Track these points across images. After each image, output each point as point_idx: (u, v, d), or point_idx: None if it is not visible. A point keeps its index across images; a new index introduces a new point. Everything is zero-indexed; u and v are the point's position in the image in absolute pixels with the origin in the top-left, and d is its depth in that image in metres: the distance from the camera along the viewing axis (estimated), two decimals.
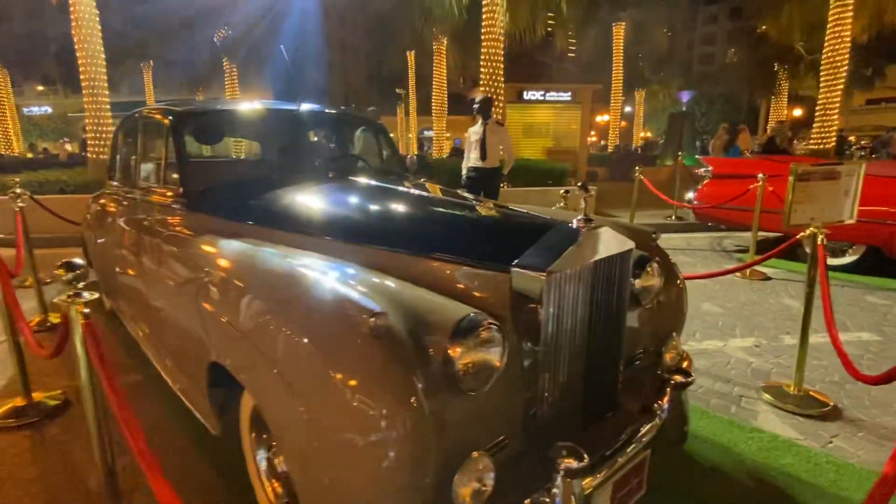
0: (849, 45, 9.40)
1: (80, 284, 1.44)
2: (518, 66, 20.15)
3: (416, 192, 2.39)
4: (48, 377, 2.92)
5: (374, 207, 2.17)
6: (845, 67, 9.58)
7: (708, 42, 60.20)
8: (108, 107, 7.90)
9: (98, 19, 7.57)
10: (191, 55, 18.17)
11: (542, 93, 15.29)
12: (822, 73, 9.97)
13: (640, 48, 21.89)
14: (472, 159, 5.78)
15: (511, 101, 14.40)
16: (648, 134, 30.99)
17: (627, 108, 33.50)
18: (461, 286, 1.53)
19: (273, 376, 1.27)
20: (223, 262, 1.74)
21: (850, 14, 9.17)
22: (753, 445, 2.26)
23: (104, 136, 7.72)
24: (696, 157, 15.82)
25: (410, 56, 19.09)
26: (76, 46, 7.50)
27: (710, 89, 37.60)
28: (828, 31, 9.56)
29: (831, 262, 5.12)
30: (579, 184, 1.71)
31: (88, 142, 7.99)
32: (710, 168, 6.15)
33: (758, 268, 5.11)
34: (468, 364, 1.22)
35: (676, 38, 24.29)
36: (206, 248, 1.91)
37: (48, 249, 6.02)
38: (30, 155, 17.22)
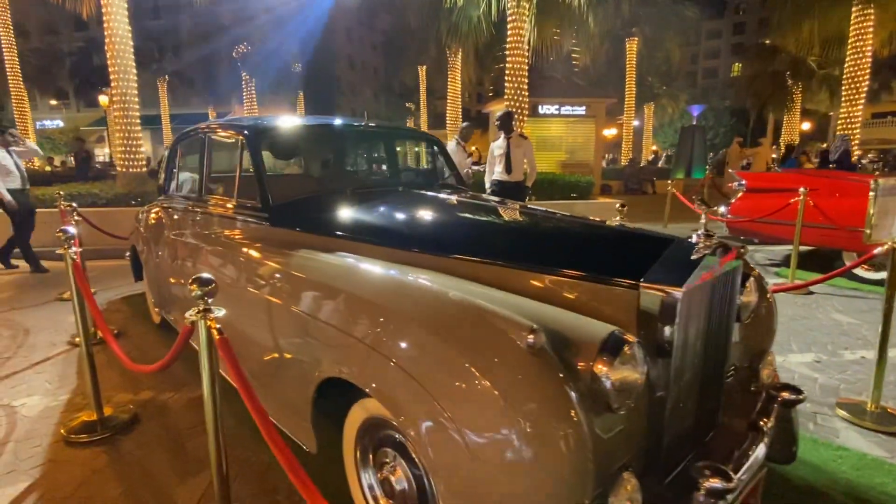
0: (870, 59, 9.44)
1: (210, 300, 1.42)
2: (528, 80, 20.39)
3: (508, 206, 2.40)
4: (110, 391, 2.91)
5: (477, 221, 2.17)
6: (867, 82, 9.61)
7: (717, 56, 60.74)
8: (139, 120, 7.98)
9: (131, 34, 7.69)
10: (207, 69, 18.43)
11: (557, 107, 15.35)
12: (843, 88, 10.00)
13: (650, 62, 22.01)
14: (496, 173, 5.83)
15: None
16: (654, 147, 31.12)
17: (635, 122, 33.76)
18: (585, 302, 1.51)
19: (416, 390, 1.25)
20: (342, 278, 1.71)
21: (872, 29, 9.21)
22: (844, 464, 2.22)
23: (134, 149, 7.79)
24: (706, 168, 15.85)
25: (422, 71, 19.30)
26: (109, 61, 7.61)
27: (719, 103, 37.76)
28: (849, 46, 9.61)
29: (875, 276, 5.08)
30: (696, 198, 1.70)
31: (118, 155, 8.06)
32: (743, 182, 6.13)
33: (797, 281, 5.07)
34: (615, 381, 1.21)
35: (686, 52, 24.36)
36: (310, 262, 1.89)
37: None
38: (48, 168, 17.40)
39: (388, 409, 1.35)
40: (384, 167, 3.10)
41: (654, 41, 18.54)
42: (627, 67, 17.93)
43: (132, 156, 7.76)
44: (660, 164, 19.26)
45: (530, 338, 1.18)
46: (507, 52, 8.56)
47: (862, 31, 9.33)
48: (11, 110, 15.78)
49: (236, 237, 2.45)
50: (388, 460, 1.59)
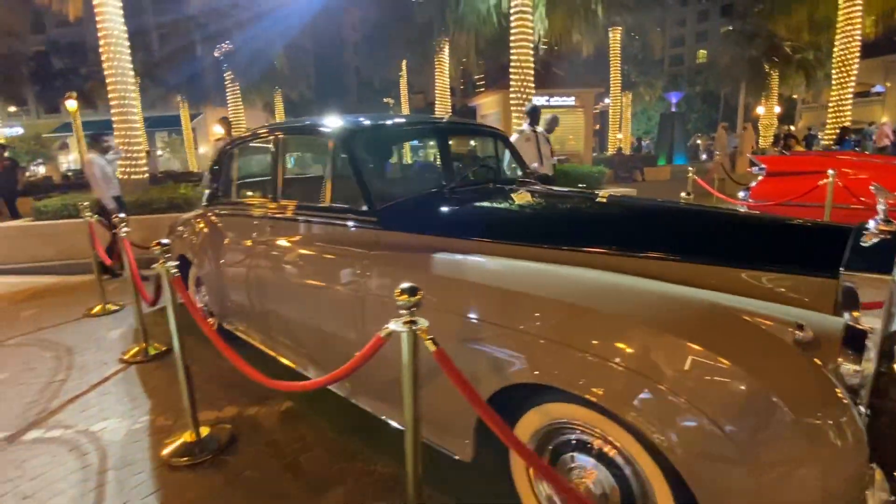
0: (859, 43, 9.75)
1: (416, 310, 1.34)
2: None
3: (629, 200, 2.38)
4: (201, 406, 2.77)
5: (624, 216, 2.14)
6: (856, 65, 9.92)
7: (683, 43, 61.90)
8: (139, 124, 7.66)
9: (126, 35, 7.35)
10: (181, 69, 17.83)
11: (547, 98, 15.44)
12: (834, 71, 10.31)
13: (629, 51, 22.29)
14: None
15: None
16: (619, 135, 31.66)
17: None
18: (779, 295, 1.49)
19: (659, 395, 1.20)
20: (527, 281, 1.63)
21: (860, 13, 9.51)
22: None
23: (135, 154, 7.47)
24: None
25: (404, 66, 19.12)
26: (104, 64, 7.25)
27: (690, 90, 38.54)
28: (838, 30, 9.90)
29: None
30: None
31: (120, 161, 7.71)
32: (763, 166, 6.24)
33: None
34: (861, 373, 1.19)
35: (664, 39, 24.77)
36: (471, 266, 1.80)
37: (86, 276, 5.78)
38: (28, 175, 16.58)
39: (627, 415, 1.29)
40: (460, 163, 3.03)
41: (635, 30, 18.75)
42: (611, 57, 18.10)
43: (134, 162, 7.44)
44: (650, 151, 19.56)
45: (799, 334, 1.15)
46: (512, 45, 8.50)
47: (850, 15, 9.62)
48: None
49: (344, 243, 2.34)
50: (574, 465, 1.54)
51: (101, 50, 7.19)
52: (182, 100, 22.05)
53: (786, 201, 5.74)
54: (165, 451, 2.38)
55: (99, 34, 7.13)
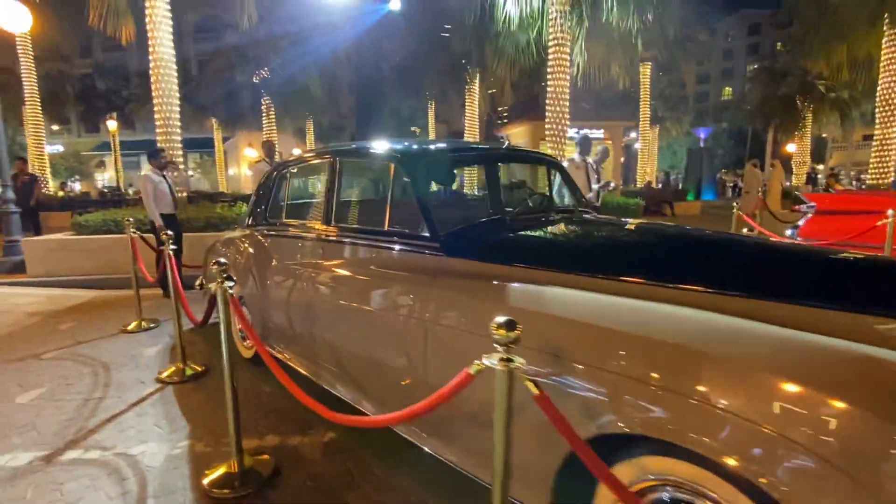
0: None
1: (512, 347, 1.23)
2: (539, 102, 20.63)
3: (713, 233, 2.24)
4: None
5: (724, 251, 2.00)
6: None
7: (708, 80, 62.05)
8: (181, 144, 7.84)
9: (174, 59, 7.60)
10: (218, 93, 18.40)
11: (577, 130, 15.44)
12: (878, 109, 10.10)
13: (656, 86, 22.31)
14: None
15: (542, 138, 14.55)
16: (647, 169, 31.46)
17: (637, 145, 34.26)
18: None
19: (794, 450, 1.05)
20: (629, 319, 1.49)
21: None
22: None
23: (177, 173, 7.61)
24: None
25: (432, 104, 19.49)
26: (153, 86, 7.49)
27: (716, 126, 38.32)
28: (882, 69, 9.73)
29: None
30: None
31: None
32: (813, 204, 6.04)
33: None
34: None
35: (693, 75, 24.82)
36: (556, 299, 1.67)
37: (123, 291, 5.80)
38: (61, 193, 17.15)
39: (722, 472, 1.14)
40: (517, 191, 2.95)
41: (664, 65, 18.79)
42: (641, 91, 18.12)
43: (175, 180, 7.57)
44: (679, 186, 19.32)
45: None
46: (550, 75, 8.54)
47: (894, 53, 9.45)
48: (22, 137, 15.63)
49: (403, 269, 2.25)
50: None
51: (151, 72, 7.43)
52: (218, 122, 22.74)
53: (839, 241, 5.51)
54: (206, 481, 2.26)
55: (150, 56, 7.38)
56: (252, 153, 31.06)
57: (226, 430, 2.64)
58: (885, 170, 10.06)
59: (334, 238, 2.70)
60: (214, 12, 16.50)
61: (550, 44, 8.23)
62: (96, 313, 5.32)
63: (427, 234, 2.20)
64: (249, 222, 3.75)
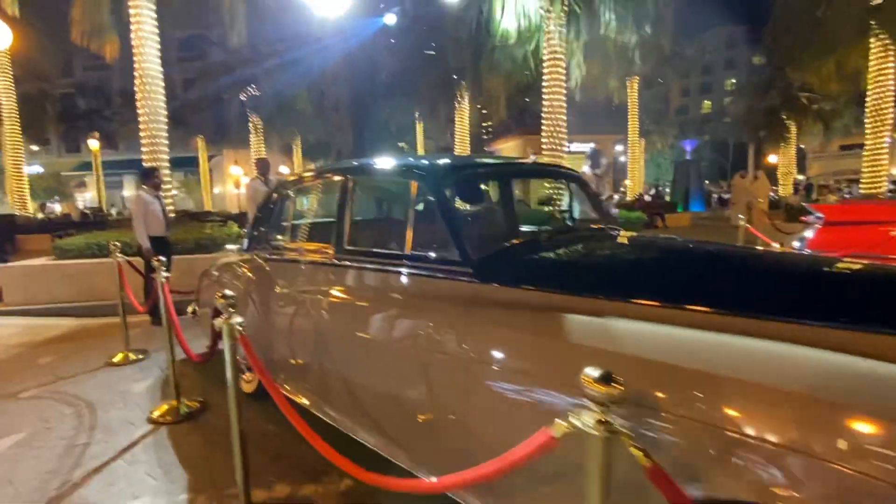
0: (892, 93, 9.67)
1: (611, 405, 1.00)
2: (529, 116, 20.72)
3: (774, 253, 2.05)
4: (229, 480, 2.38)
5: (791, 274, 1.80)
6: (891, 114, 9.81)
7: (688, 94, 63.28)
8: (168, 164, 7.55)
9: (162, 76, 7.36)
10: (202, 110, 18.15)
11: (567, 144, 15.43)
12: (867, 119, 10.21)
13: (642, 100, 22.56)
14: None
15: (536, 152, 14.51)
16: (634, 181, 31.72)
17: (622, 159, 34.59)
18: None
19: None
20: (729, 361, 1.27)
21: (892, 63, 9.48)
22: None
23: (164, 194, 7.31)
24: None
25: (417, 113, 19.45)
26: (138, 103, 7.23)
27: (702, 138, 38.92)
28: (870, 80, 9.85)
29: None
30: None
31: None
32: (821, 215, 5.95)
33: None
34: None
35: (678, 89, 25.20)
36: (619, 333, 1.46)
37: (107, 319, 5.47)
38: (40, 215, 16.60)
39: None
40: (545, 207, 2.76)
41: (650, 80, 18.99)
42: (629, 105, 18.24)
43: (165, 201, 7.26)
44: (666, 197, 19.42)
45: None
46: (545, 90, 8.45)
47: (882, 67, 9.60)
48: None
49: (431, 297, 2.02)
50: None
51: (136, 89, 7.17)
52: (205, 141, 22.42)
53: (851, 253, 5.40)
54: None
55: (135, 73, 7.12)
56: (238, 171, 30.68)
57: (230, 478, 2.37)
58: (878, 178, 10.14)
59: (348, 263, 2.47)
60: (199, 31, 16.35)
61: (546, 58, 8.16)
62: (79, 344, 4.97)
63: (458, 258, 1.98)
64: (248, 245, 3.50)
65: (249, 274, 3.21)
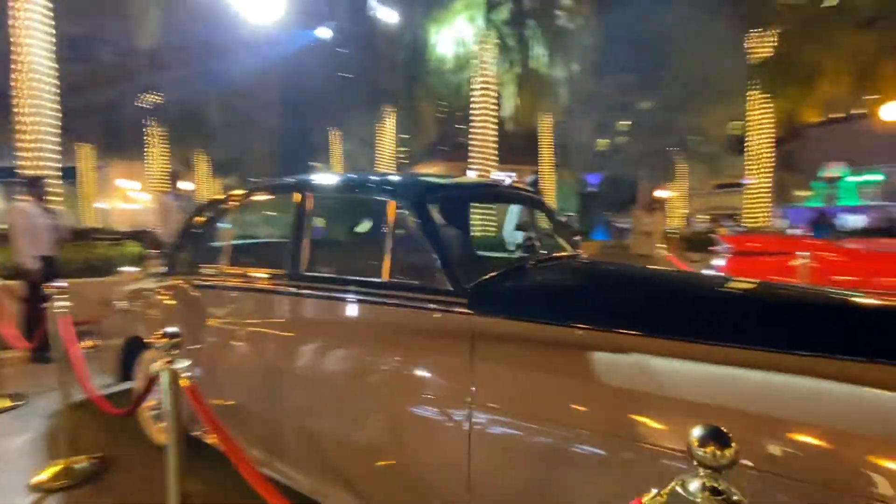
0: (773, 136, 11.12)
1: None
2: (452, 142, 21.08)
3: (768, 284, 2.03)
4: None
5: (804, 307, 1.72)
6: (772, 156, 11.24)
7: (600, 132, 68.43)
8: (60, 173, 6.55)
9: (55, 73, 6.41)
10: (97, 117, 16.31)
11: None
12: (747, 162, 11.62)
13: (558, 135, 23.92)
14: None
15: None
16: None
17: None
18: None
19: None
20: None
21: (771, 113, 10.90)
22: None
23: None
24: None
25: (332, 134, 19.03)
26: (15, 101, 6.16)
27: (606, 173, 42.11)
28: (748, 127, 11.24)
29: None
30: None
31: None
32: (728, 246, 6.49)
33: None
34: None
35: (591, 127, 27.09)
36: (666, 374, 1.32)
37: None
38: None
39: None
40: (517, 234, 2.63)
41: (568, 115, 20.17)
42: (543, 140, 19.21)
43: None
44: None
45: None
46: (475, 118, 8.56)
47: (762, 117, 11.02)
48: None
49: (414, 331, 1.78)
50: None
51: (13, 84, 6.12)
52: (94, 150, 20.08)
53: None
54: None
55: (15, 66, 6.10)
56: (126, 184, 27.87)
57: None
58: (756, 214, 11.55)
59: (307, 291, 2.14)
60: (88, 30, 14.75)
61: (478, 87, 8.29)
62: None
63: (448, 287, 1.77)
64: (169, 269, 3.01)
65: (173, 303, 2.74)
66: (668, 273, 2.32)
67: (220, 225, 2.79)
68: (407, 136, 16.22)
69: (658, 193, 25.49)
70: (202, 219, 2.83)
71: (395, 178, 2.07)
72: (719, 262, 6.53)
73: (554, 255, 2.29)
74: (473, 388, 1.51)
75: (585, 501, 1.27)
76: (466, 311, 1.72)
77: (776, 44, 9.97)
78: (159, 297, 2.84)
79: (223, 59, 12.13)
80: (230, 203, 2.70)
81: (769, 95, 10.25)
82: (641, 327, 1.47)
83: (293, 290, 2.18)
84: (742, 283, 2.10)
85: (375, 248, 2.00)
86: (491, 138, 8.58)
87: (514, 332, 1.60)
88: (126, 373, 3.09)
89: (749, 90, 10.83)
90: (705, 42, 11.16)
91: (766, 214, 11.45)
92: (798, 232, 13.47)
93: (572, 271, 2.08)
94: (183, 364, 1.55)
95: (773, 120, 10.86)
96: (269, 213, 2.50)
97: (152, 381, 1.65)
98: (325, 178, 2.34)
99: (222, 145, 20.32)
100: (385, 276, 1.92)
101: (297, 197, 2.28)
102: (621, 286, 1.99)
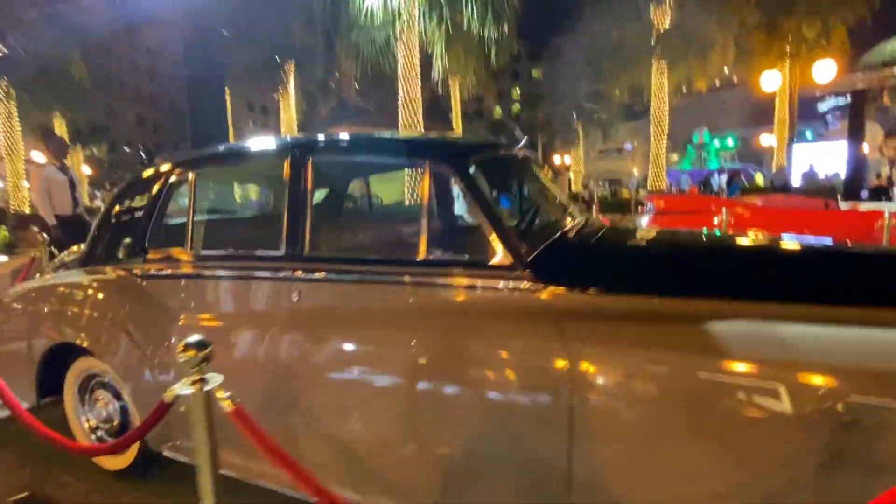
0: (667, 106, 11.96)
1: None
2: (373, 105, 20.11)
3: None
4: None
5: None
6: (667, 123, 12.11)
7: (482, 100, 69.25)
8: None
9: None
10: None
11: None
12: (651, 128, 12.42)
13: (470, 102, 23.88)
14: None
15: None
16: None
17: None
18: None
19: None
20: None
21: (667, 80, 11.72)
22: None
23: None
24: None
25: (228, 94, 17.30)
26: None
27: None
28: (652, 94, 11.99)
29: None
30: None
31: None
32: (653, 205, 6.90)
33: None
34: None
35: (491, 93, 27.28)
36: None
37: None
38: None
39: None
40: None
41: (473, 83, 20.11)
42: (453, 108, 19.04)
43: None
44: None
45: None
46: (402, 80, 8.11)
47: (660, 84, 11.80)
48: None
49: (471, 314, 1.56)
50: None
51: None
52: None
53: None
54: None
55: None
56: None
57: None
58: (659, 178, 12.50)
59: (319, 276, 1.80)
60: None
61: (402, 46, 7.78)
62: None
63: (499, 259, 1.55)
64: (94, 257, 2.42)
65: (119, 298, 2.20)
66: (729, 237, 2.29)
67: (171, 199, 2.26)
68: (315, 99, 15.12)
69: (559, 159, 26.83)
70: (143, 193, 2.28)
71: (430, 139, 1.78)
72: (645, 221, 6.94)
73: (585, 221, 2.16)
74: (571, 372, 1.34)
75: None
76: (536, 285, 1.52)
77: (677, 17, 10.66)
78: (88, 294, 2.27)
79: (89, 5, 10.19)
80: (191, 171, 2.18)
81: (669, 64, 10.98)
82: (758, 293, 1.38)
83: (297, 274, 1.81)
84: (794, 243, 2.10)
85: (400, 219, 1.72)
86: (416, 102, 8.19)
87: (608, 307, 1.44)
88: (48, 387, 2.47)
89: (653, 59, 11.51)
90: (614, 14, 11.65)
91: (662, 178, 12.46)
92: (686, 191, 14.93)
93: (637, 238, 1.97)
94: (215, 381, 1.18)
95: (668, 88, 11.70)
96: (258, 181, 2.04)
97: (166, 406, 1.25)
98: (334, 137, 1.95)
99: (86, 108, 17.55)
100: (422, 253, 1.65)
101: (288, 161, 1.88)
102: (705, 252, 1.90)
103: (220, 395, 1.15)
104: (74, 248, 3.24)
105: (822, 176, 11.66)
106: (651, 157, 12.45)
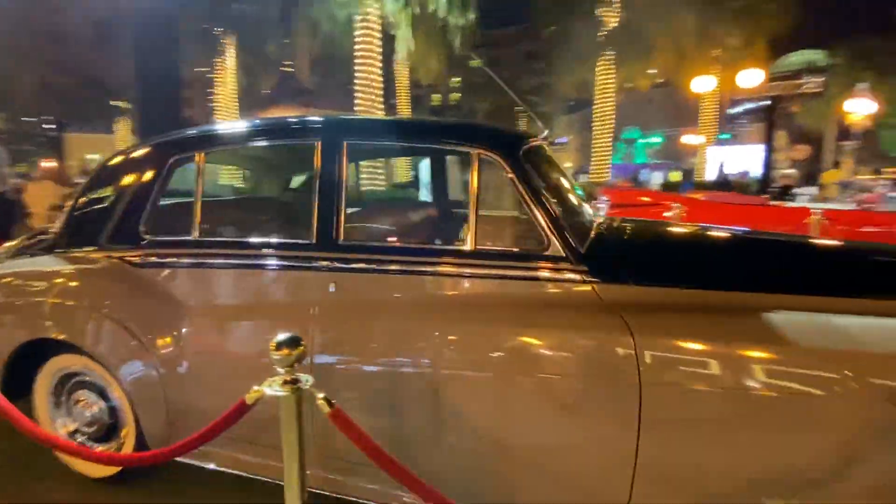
0: (613, 101, 12.46)
1: None
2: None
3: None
4: None
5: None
6: (612, 117, 12.63)
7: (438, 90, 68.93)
8: None
9: None
10: None
11: None
12: (594, 122, 12.90)
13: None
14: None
15: None
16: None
17: None
18: None
19: None
20: None
21: (614, 77, 12.19)
22: None
23: None
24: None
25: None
26: None
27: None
28: (596, 89, 12.46)
29: None
30: None
31: None
32: (608, 199, 7.17)
33: None
34: None
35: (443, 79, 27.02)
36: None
37: None
38: None
39: None
40: None
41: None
42: (398, 91, 18.70)
43: None
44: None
45: None
46: (359, 60, 7.82)
47: (605, 79, 12.27)
48: None
49: (533, 308, 1.55)
50: None
51: None
52: None
53: None
54: None
55: None
56: None
57: None
58: (603, 169, 13.08)
59: (359, 266, 1.71)
60: None
61: (358, 24, 7.48)
62: None
63: (553, 251, 1.56)
64: (75, 241, 2.16)
65: (111, 288, 1.98)
66: (764, 234, 2.38)
67: (168, 179, 2.04)
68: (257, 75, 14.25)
69: None
70: (142, 172, 2.05)
71: (477, 124, 1.73)
72: (600, 214, 7.21)
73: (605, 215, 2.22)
74: (639, 369, 1.37)
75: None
76: (593, 280, 1.54)
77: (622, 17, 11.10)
78: (80, 284, 2.02)
79: None
80: (191, 152, 1.98)
81: (615, 62, 11.45)
82: (815, 288, 1.48)
83: (329, 263, 1.71)
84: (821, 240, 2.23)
85: (443, 209, 1.67)
86: (376, 84, 7.97)
87: (670, 303, 1.48)
88: (14, 389, 2.18)
89: (600, 57, 11.95)
90: (564, 10, 11.94)
91: (607, 170, 13.03)
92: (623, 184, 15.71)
93: (679, 232, 2.02)
94: (307, 381, 1.09)
95: (615, 84, 12.20)
96: (258, 166, 1.89)
97: (246, 407, 1.13)
98: (371, 119, 1.85)
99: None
100: (472, 244, 1.62)
101: (315, 143, 1.77)
102: (751, 248, 1.95)
103: (318, 396, 1.05)
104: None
105: (731, 174, 12.80)
106: (594, 151, 12.98)
